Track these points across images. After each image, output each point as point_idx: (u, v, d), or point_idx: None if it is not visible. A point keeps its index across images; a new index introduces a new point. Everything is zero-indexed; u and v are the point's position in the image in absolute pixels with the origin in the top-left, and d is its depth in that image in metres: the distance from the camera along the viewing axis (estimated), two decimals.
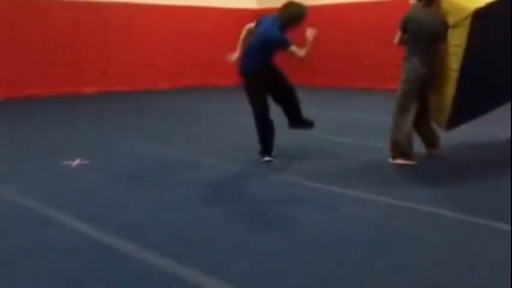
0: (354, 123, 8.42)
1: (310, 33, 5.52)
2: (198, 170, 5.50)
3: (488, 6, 4.59)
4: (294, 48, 5.43)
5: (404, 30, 5.18)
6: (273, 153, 5.73)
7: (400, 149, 5.35)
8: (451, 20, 4.86)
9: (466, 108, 5.43)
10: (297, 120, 5.99)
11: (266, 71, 5.62)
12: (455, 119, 5.48)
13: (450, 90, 5.10)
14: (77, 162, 5.56)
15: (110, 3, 13.26)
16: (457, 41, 4.85)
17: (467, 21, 4.65)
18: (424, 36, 5.09)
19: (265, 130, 5.71)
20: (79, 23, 12.82)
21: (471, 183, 4.93)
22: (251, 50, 5.58)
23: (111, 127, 8.25)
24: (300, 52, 5.46)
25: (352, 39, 13.90)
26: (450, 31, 4.92)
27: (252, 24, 5.72)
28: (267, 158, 5.68)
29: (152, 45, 14.00)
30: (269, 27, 5.48)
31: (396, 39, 5.28)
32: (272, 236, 3.61)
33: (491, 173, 5.28)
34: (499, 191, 4.57)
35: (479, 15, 4.60)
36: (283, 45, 5.42)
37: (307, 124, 6.06)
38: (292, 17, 5.44)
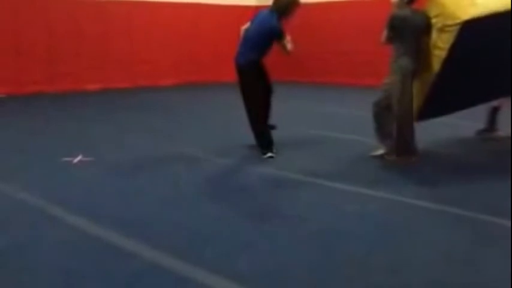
0: (353, 120, 8.42)
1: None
2: (199, 166, 5.50)
3: (478, 20, 4.68)
4: (286, 41, 5.59)
5: (392, 28, 5.19)
6: (274, 150, 5.76)
7: (406, 146, 5.36)
8: (439, 23, 4.92)
9: (438, 106, 5.58)
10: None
11: (260, 66, 5.72)
12: (424, 115, 5.62)
13: (426, 88, 5.23)
14: (78, 158, 5.58)
15: (111, 0, 13.26)
16: (442, 45, 4.94)
17: (456, 28, 4.74)
18: (411, 33, 5.10)
19: (264, 127, 5.73)
20: (81, 20, 12.80)
21: (471, 180, 4.94)
22: (249, 42, 5.68)
23: (112, 124, 8.24)
24: (290, 47, 5.62)
25: (348, 36, 13.94)
26: (437, 34, 4.98)
27: (247, 25, 5.83)
28: (269, 154, 5.68)
29: (153, 42, 14.00)
30: (267, 18, 5.61)
31: (382, 38, 5.30)
32: (274, 233, 3.61)
33: (490, 169, 5.31)
34: (499, 188, 4.59)
35: (468, 26, 4.70)
36: (280, 35, 5.56)
37: (270, 127, 6.15)
38: (285, 8, 5.61)
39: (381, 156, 5.40)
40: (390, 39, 5.24)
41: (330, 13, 14.42)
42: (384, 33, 5.25)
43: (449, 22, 4.78)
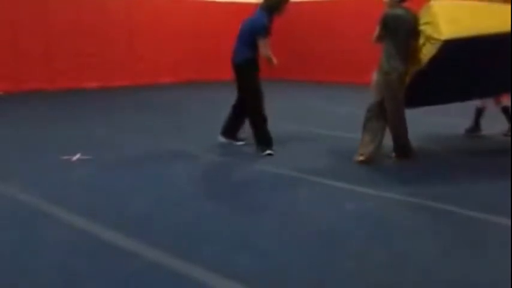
0: (352, 119, 8.40)
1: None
2: (198, 164, 5.50)
3: (459, 40, 4.79)
4: (265, 42, 5.60)
5: (384, 27, 5.14)
6: (273, 147, 5.75)
7: (404, 144, 5.36)
8: (428, 31, 4.98)
9: (414, 98, 5.61)
10: (234, 131, 6.17)
11: (256, 64, 5.72)
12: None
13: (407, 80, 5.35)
14: (76, 156, 5.56)
15: None
16: (426, 52, 5.02)
17: (438, 43, 4.85)
18: (402, 33, 5.08)
19: (264, 125, 5.73)
20: (81, 17, 12.79)
21: (467, 178, 4.94)
22: (241, 39, 5.75)
23: (112, 122, 8.23)
24: (267, 50, 5.63)
25: (351, 34, 13.93)
26: (424, 40, 5.03)
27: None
28: (268, 151, 5.68)
29: (154, 39, 13.98)
30: (258, 16, 5.69)
31: (374, 36, 5.26)
32: (272, 231, 3.60)
33: (486, 168, 5.32)
34: (495, 186, 4.61)
35: (448, 44, 4.81)
36: (263, 32, 5.59)
37: (240, 139, 6.21)
38: (274, 4, 5.67)
39: (363, 161, 5.31)
40: (381, 38, 5.21)
41: (332, 11, 14.41)
42: (376, 32, 5.22)
43: (434, 35, 4.89)
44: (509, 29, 4.89)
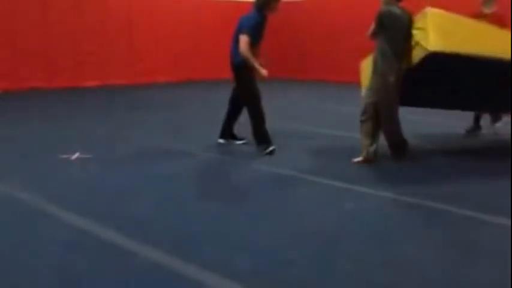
0: (352, 118, 8.40)
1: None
2: (197, 163, 5.51)
3: (446, 54, 4.84)
4: (245, 39, 5.55)
5: (380, 24, 5.12)
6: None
7: (400, 142, 5.36)
8: (418, 36, 5.00)
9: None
10: (229, 130, 6.20)
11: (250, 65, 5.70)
12: None
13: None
14: (76, 155, 5.56)
15: None
16: (416, 53, 5.05)
17: (425, 52, 4.89)
18: (397, 31, 5.06)
19: (263, 123, 5.74)
20: (80, 16, 12.79)
21: (466, 178, 4.95)
22: (236, 39, 5.72)
23: (111, 121, 8.23)
24: (244, 47, 5.56)
25: (352, 33, 13.92)
26: (414, 44, 5.06)
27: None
28: (271, 148, 5.70)
29: (153, 38, 13.98)
30: (249, 15, 5.73)
31: (369, 32, 5.25)
32: (272, 231, 3.61)
33: (484, 168, 5.33)
34: (494, 186, 4.63)
35: (434, 56, 4.86)
36: (246, 30, 5.57)
37: (237, 139, 6.24)
38: (265, 2, 5.67)
39: (363, 162, 5.31)
40: (376, 35, 5.19)
41: (332, 9, 14.41)
42: (371, 28, 5.21)
43: (422, 43, 4.92)
44: (498, 54, 4.96)
